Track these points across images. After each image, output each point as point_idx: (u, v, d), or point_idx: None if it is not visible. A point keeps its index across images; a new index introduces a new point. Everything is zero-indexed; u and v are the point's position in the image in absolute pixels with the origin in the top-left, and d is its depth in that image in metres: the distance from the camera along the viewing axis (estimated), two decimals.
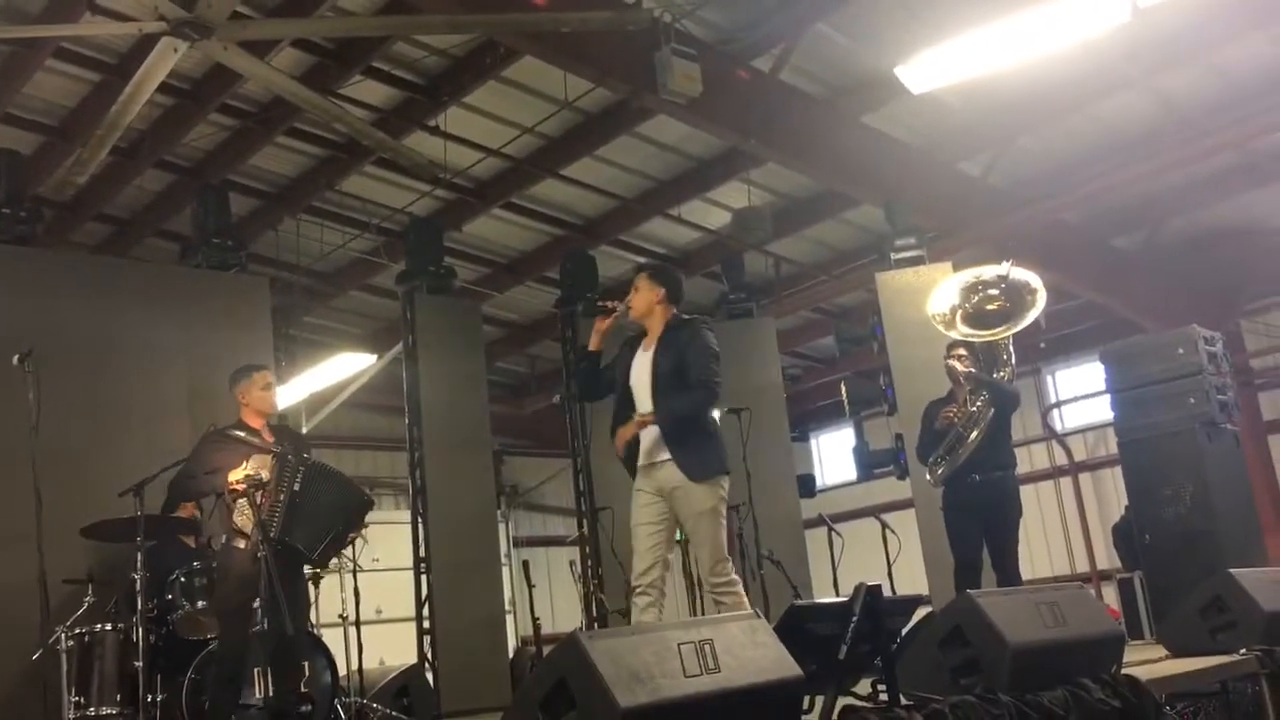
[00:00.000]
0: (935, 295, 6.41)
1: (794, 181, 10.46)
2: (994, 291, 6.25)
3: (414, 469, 8.74)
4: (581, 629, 2.96)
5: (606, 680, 2.68)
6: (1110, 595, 10.14)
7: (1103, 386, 8.32)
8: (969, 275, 6.42)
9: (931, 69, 7.07)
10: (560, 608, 11.56)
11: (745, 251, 11.20)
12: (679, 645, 2.94)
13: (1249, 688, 4.77)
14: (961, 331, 6.25)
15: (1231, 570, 5.03)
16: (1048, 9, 6.59)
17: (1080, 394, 14.36)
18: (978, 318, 6.20)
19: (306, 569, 6.18)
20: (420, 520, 8.56)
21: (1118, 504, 11.98)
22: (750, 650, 3.11)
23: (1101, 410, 12.45)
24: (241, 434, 5.07)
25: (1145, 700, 3.75)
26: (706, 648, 2.99)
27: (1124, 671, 3.94)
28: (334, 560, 6.18)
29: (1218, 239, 12.21)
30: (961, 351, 6.28)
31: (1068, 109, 9.52)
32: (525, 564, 6.61)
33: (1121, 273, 12.18)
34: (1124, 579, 8.63)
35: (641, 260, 11.84)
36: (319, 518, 4.96)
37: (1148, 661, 4.83)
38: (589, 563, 9.29)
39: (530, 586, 6.47)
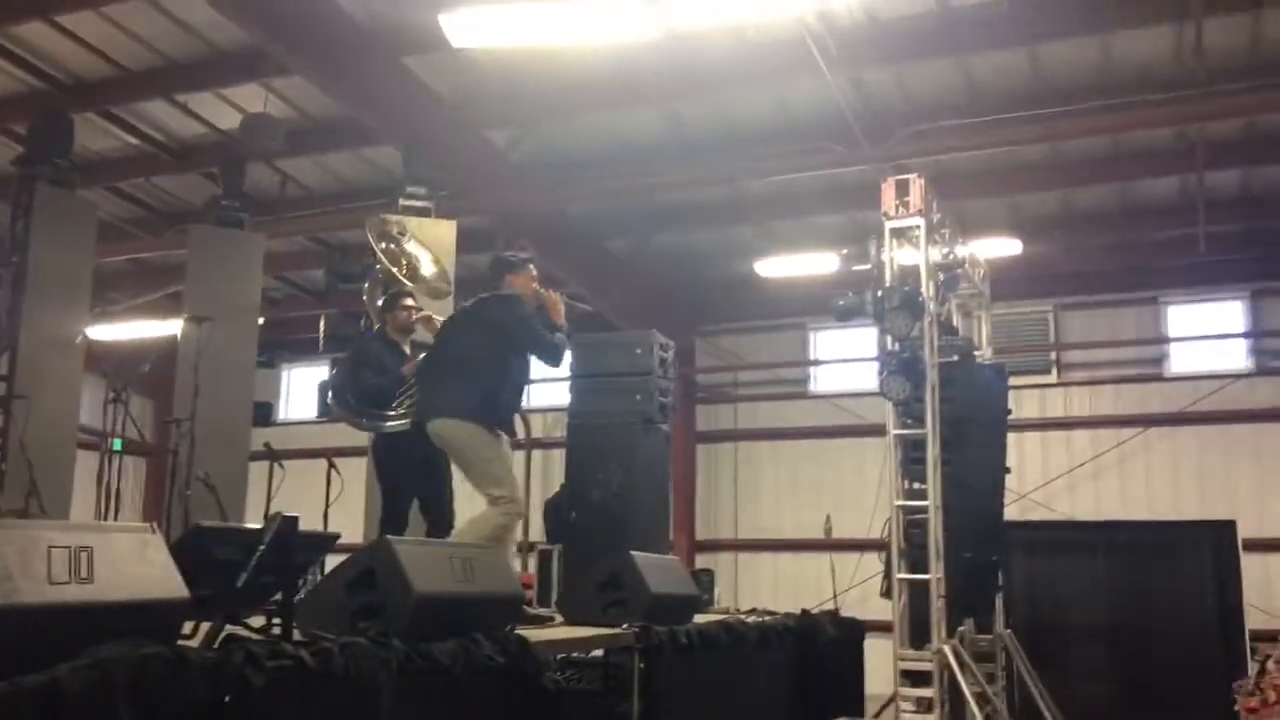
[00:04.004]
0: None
1: (318, 102, 10.03)
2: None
3: None
4: None
5: None
6: (531, 565, 10.79)
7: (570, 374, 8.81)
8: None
9: (473, 25, 7.09)
10: None
11: (251, 160, 10.55)
12: (50, 549, 2.64)
13: (627, 660, 5.24)
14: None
15: (632, 552, 5.49)
16: (588, 2, 6.85)
17: (549, 377, 15.18)
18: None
19: None
20: None
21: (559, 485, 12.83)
22: (135, 565, 2.86)
23: (565, 395, 13.28)
24: None
25: (528, 659, 3.96)
26: (84, 555, 2.71)
27: (517, 632, 4.14)
28: None
29: (693, 260, 13.51)
30: (412, 303, 6.41)
31: (593, 106, 10.00)
32: None
33: (608, 273, 13.05)
34: (545, 550, 9.20)
35: (132, 140, 10.77)
36: None
37: (545, 626, 5.14)
38: None
39: None
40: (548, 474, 14.81)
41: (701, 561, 13.61)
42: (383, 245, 6.22)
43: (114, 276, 12.99)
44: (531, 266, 6.04)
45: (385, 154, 10.74)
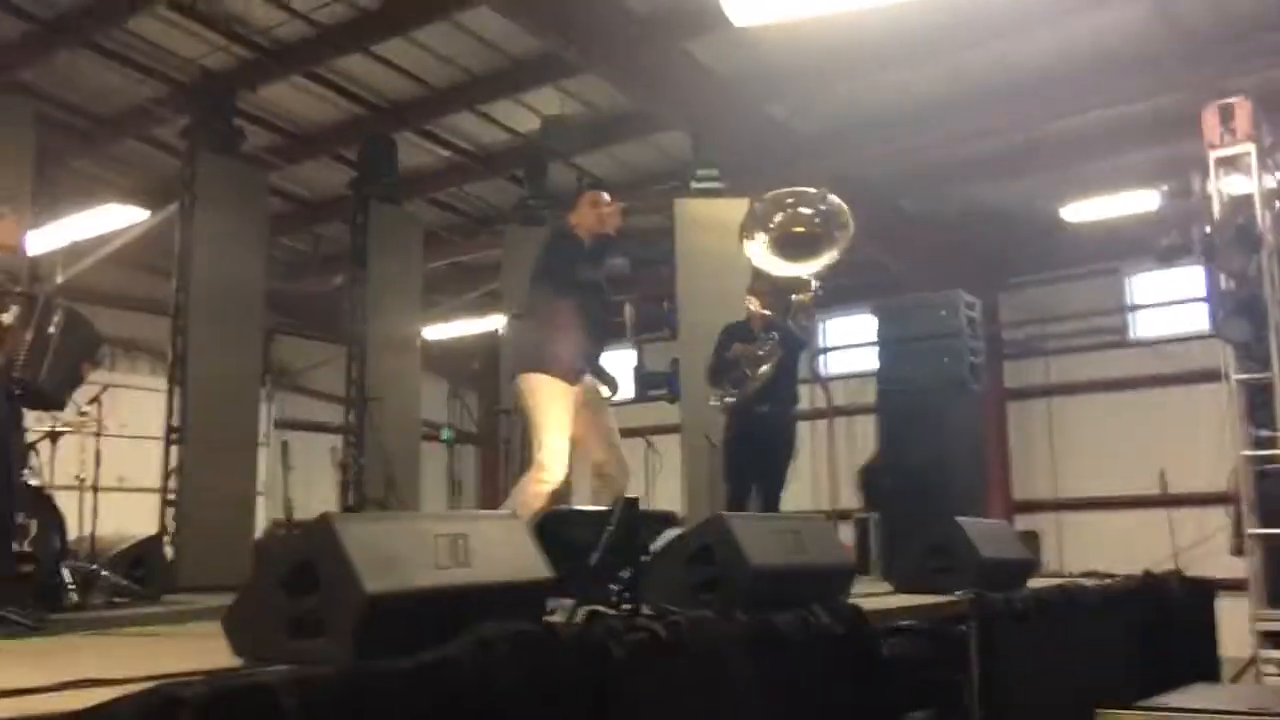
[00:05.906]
0: (750, 215, 6.04)
1: (606, 96, 10.39)
2: (807, 211, 5.89)
3: (175, 335, 8.33)
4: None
5: (355, 564, 2.64)
6: (846, 533, 10.80)
7: (868, 338, 8.76)
8: (785, 191, 6.04)
9: (754, 3, 7.13)
10: (317, 494, 11.31)
11: (551, 160, 11.10)
12: (435, 537, 2.93)
13: (959, 627, 5.18)
14: (769, 258, 5.92)
15: (958, 519, 5.40)
16: None
17: (848, 343, 15.13)
18: (783, 242, 5.86)
19: (46, 426, 5.85)
20: (178, 389, 8.17)
21: (865, 450, 12.71)
22: (504, 549, 3.13)
23: (864, 360, 13.16)
24: None
25: (866, 628, 4.00)
26: (461, 542, 2.99)
27: (851, 601, 4.19)
28: (74, 417, 5.85)
29: (989, 212, 12.97)
30: (761, 289, 6.46)
31: (869, 70, 9.80)
32: (285, 444, 6.44)
33: (903, 233, 12.77)
34: (861, 518, 9.19)
35: (443, 153, 11.55)
36: (63, 358, 4.65)
37: (873, 595, 5.15)
38: (352, 451, 9.13)
39: (287, 469, 6.31)
40: (851, 442, 14.72)
41: (1020, 524, 13.09)
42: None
43: (434, 280, 14.02)
44: (603, 195, 5.43)
45: (672, 140, 10.99)
